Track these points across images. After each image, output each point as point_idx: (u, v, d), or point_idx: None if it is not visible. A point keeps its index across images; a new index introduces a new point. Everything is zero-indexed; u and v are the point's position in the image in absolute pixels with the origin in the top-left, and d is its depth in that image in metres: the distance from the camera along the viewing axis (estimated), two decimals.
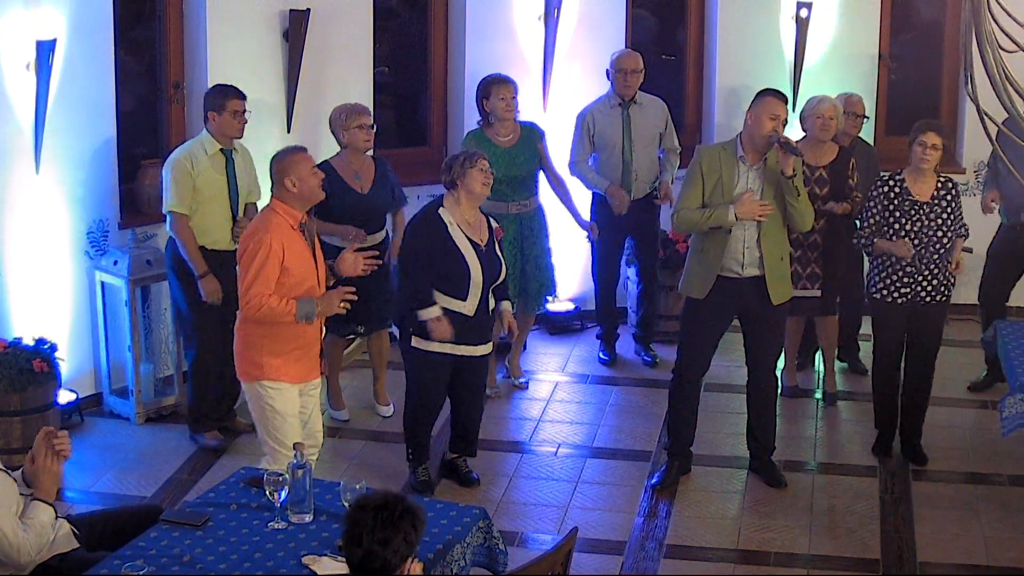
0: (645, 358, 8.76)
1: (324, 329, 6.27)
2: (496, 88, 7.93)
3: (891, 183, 7.18)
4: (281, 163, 6.04)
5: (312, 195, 6.04)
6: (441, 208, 6.73)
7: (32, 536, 4.96)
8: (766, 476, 7.15)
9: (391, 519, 4.08)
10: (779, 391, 7.28)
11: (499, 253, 6.87)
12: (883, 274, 7.22)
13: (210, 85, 7.99)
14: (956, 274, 7.23)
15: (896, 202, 7.13)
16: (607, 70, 8.47)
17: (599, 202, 8.55)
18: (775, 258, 6.86)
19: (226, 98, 7.26)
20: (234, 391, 7.47)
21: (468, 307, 6.73)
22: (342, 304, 6.06)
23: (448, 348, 6.76)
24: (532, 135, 8.10)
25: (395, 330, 7.34)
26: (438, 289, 6.69)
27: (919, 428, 7.45)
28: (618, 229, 8.57)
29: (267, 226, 5.94)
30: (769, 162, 6.79)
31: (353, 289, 6.11)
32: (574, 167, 8.49)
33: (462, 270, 6.67)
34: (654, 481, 7.11)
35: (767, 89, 6.86)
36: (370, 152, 7.67)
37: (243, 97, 7.32)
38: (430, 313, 6.67)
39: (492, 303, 6.87)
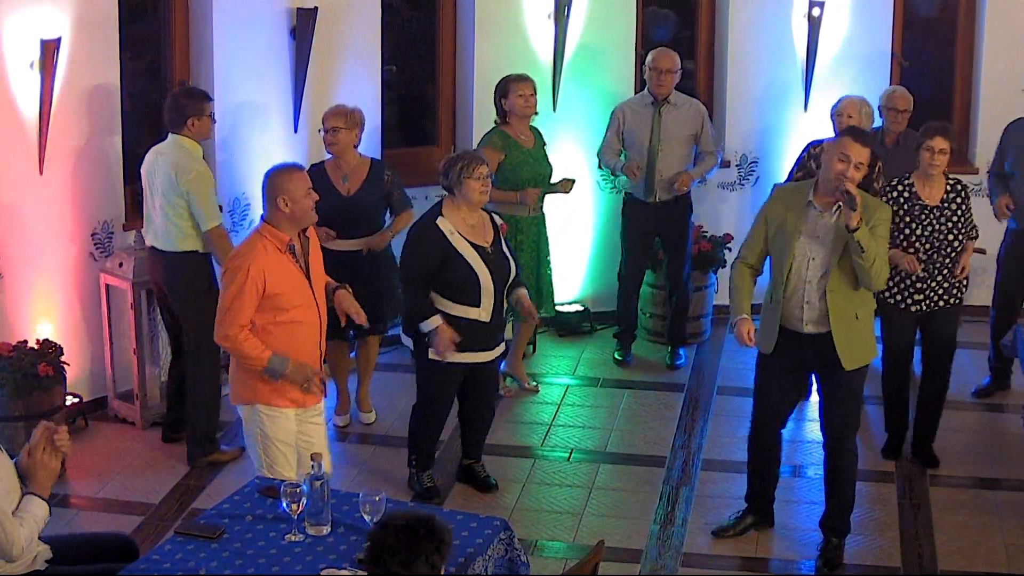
0: (669, 361, 8.68)
1: (324, 352, 6.02)
2: (515, 85, 7.90)
3: (900, 187, 7.08)
4: (274, 180, 5.72)
5: (305, 217, 5.73)
6: (440, 217, 6.62)
7: (26, 530, 4.90)
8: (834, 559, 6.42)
9: (414, 542, 3.96)
10: (856, 464, 6.47)
11: (507, 251, 6.76)
12: (895, 279, 7.12)
13: (216, 85, 7.91)
14: (961, 278, 7.11)
15: (906, 207, 7.04)
16: (643, 67, 8.41)
17: (628, 203, 8.51)
18: (847, 316, 6.12)
19: (203, 101, 7.11)
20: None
21: (483, 313, 6.63)
22: (307, 384, 5.78)
23: (465, 357, 6.67)
24: (542, 138, 8.14)
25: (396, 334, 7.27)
26: (449, 299, 6.59)
27: (933, 432, 7.35)
28: (645, 229, 8.50)
29: (250, 251, 5.66)
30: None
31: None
32: (600, 159, 8.51)
33: (471, 278, 6.56)
34: (724, 525, 6.65)
35: (848, 128, 6.34)
36: (358, 153, 7.58)
37: (212, 99, 7.24)
38: (431, 324, 6.57)
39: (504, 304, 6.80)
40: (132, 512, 6.80)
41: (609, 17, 9.04)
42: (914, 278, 7.06)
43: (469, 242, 6.60)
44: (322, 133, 7.49)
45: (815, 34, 9.11)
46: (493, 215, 6.83)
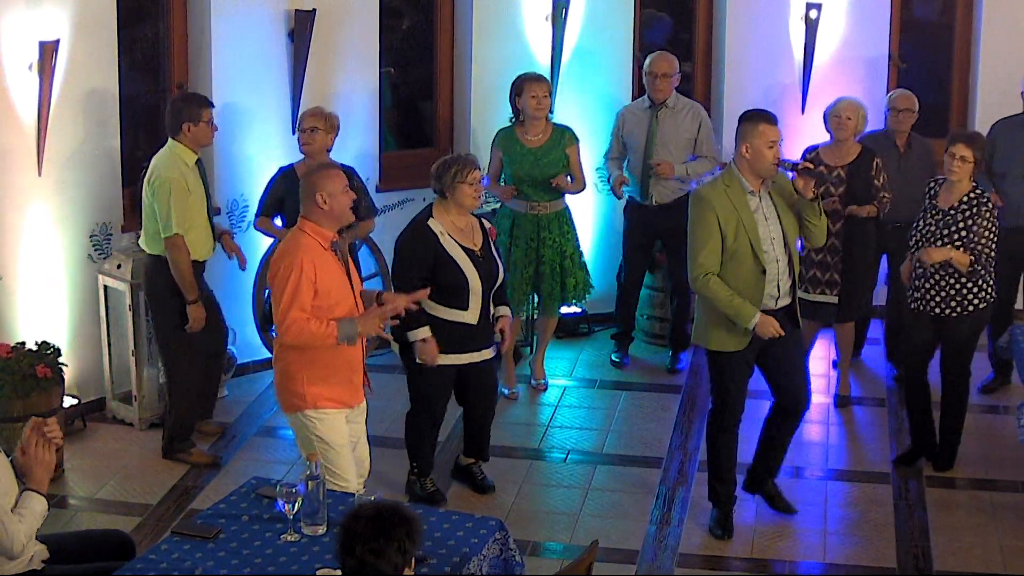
0: (670, 365, 8.69)
1: (366, 352, 6.03)
2: (529, 85, 7.93)
3: (932, 184, 7.14)
4: (313, 177, 5.79)
5: (342, 214, 5.75)
6: (431, 219, 6.64)
7: (25, 526, 4.91)
8: (780, 504, 6.80)
9: (385, 529, 4.02)
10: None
11: (495, 255, 6.77)
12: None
13: (214, 86, 7.93)
14: (927, 261, 6.93)
15: (926, 204, 7.09)
16: (643, 71, 8.45)
17: (631, 207, 8.53)
18: (795, 278, 6.46)
19: (201, 107, 7.13)
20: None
21: (471, 316, 6.65)
22: (383, 322, 5.80)
23: (452, 359, 6.68)
24: (563, 137, 8.09)
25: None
26: (439, 302, 6.58)
27: (955, 434, 7.28)
28: (647, 232, 8.52)
29: (297, 247, 5.67)
30: (777, 181, 6.34)
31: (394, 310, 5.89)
32: (603, 161, 8.61)
33: (460, 280, 6.58)
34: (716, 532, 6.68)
35: (752, 113, 6.29)
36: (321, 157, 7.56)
37: (212, 105, 7.23)
38: (418, 335, 6.58)
39: (492, 307, 6.81)
40: (130, 513, 6.82)
41: (606, 20, 9.05)
42: (914, 276, 7.09)
43: (459, 244, 6.62)
44: (298, 133, 7.49)
45: (812, 36, 9.13)
46: (482, 220, 6.86)
